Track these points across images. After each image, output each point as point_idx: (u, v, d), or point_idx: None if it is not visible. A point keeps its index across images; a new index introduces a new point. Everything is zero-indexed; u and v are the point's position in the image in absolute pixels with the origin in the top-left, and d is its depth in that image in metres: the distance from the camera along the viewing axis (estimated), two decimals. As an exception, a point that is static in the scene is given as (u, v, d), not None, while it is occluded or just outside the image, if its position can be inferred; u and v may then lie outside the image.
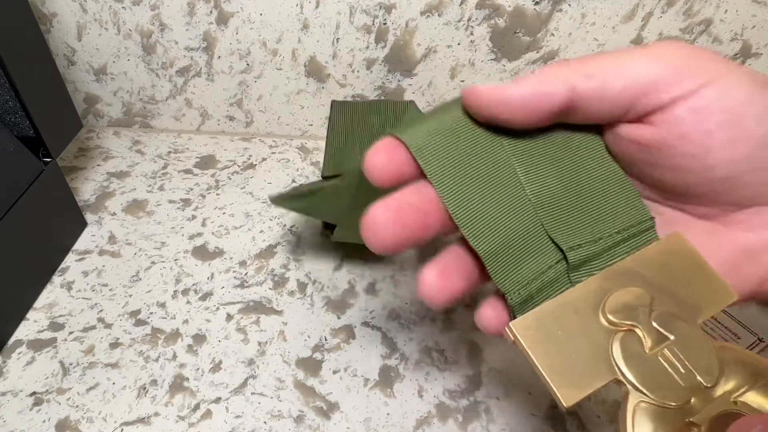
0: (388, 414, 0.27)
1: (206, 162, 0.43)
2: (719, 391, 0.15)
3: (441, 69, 0.42)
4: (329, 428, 0.26)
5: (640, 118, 0.17)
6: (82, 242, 0.35)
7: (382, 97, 0.44)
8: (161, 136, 0.46)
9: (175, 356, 0.29)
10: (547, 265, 0.18)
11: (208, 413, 0.26)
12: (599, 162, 0.19)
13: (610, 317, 0.16)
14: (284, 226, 0.37)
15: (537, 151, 0.18)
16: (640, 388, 0.15)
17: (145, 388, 0.27)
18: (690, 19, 0.38)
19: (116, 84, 0.44)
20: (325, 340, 0.30)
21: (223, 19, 0.40)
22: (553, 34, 0.39)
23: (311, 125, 0.46)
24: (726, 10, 0.38)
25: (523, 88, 0.17)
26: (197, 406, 0.26)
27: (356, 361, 0.29)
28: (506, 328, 0.16)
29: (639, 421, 0.15)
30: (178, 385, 0.27)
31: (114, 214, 0.38)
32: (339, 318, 0.31)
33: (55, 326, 0.30)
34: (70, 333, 0.29)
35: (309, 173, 0.43)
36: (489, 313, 0.18)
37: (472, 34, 0.40)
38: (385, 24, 0.39)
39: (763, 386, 0.15)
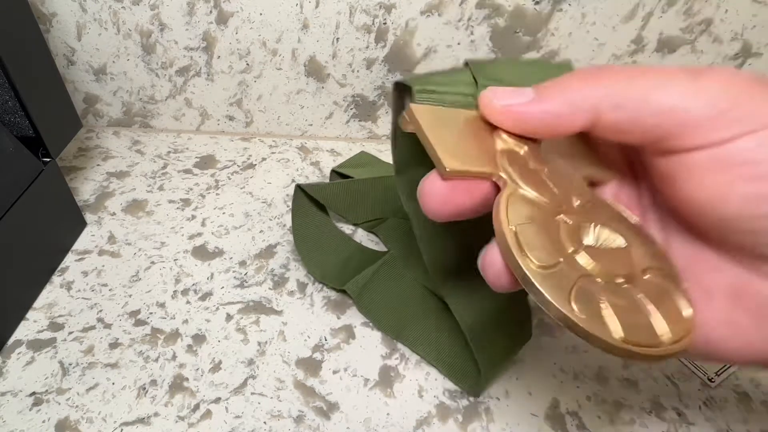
0: (388, 414, 0.27)
1: (206, 162, 0.43)
2: (589, 212, 0.16)
3: (441, 69, 0.42)
4: (329, 428, 0.26)
5: (663, 153, 0.16)
6: (82, 242, 0.35)
7: (382, 97, 0.44)
8: (161, 136, 0.46)
9: (174, 356, 0.29)
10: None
11: (207, 413, 0.26)
12: None
13: (504, 137, 0.17)
14: (284, 226, 0.37)
15: None
16: (518, 181, 0.16)
17: (144, 389, 0.27)
18: (690, 18, 0.38)
19: (116, 84, 0.44)
20: (325, 340, 0.30)
21: (222, 19, 0.40)
22: (553, 34, 0.39)
23: (311, 125, 0.46)
24: (726, 10, 0.38)
25: (542, 106, 0.16)
26: (197, 407, 0.26)
27: (356, 361, 0.29)
28: (405, 112, 0.17)
29: (513, 206, 0.15)
30: (177, 385, 0.27)
31: (114, 214, 0.37)
32: (339, 318, 0.31)
33: (55, 326, 0.30)
34: (70, 333, 0.29)
35: (309, 173, 0.43)
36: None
37: (472, 33, 0.40)
38: (385, 24, 0.39)
39: (619, 228, 0.16)
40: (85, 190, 0.39)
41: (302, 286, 0.33)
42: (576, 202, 0.16)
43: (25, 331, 0.29)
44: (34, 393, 0.27)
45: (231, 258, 0.35)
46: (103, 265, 0.33)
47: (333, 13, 0.39)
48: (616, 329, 0.14)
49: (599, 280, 0.15)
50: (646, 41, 0.40)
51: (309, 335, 0.30)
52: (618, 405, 0.28)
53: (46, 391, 0.27)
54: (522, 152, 0.17)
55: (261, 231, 0.37)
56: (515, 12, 0.38)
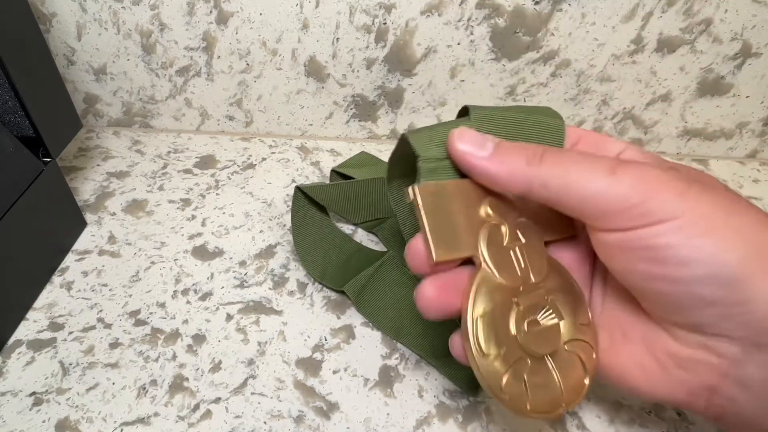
0: (388, 414, 0.27)
1: (206, 162, 0.43)
2: (541, 288, 0.21)
3: (441, 69, 0.42)
4: (329, 428, 0.26)
5: (588, 227, 0.19)
6: (82, 242, 0.35)
7: (382, 97, 0.44)
8: (161, 136, 0.46)
9: (174, 356, 0.29)
10: None
11: (207, 413, 0.26)
12: None
13: (489, 210, 0.20)
14: (284, 226, 0.37)
15: None
16: (491, 265, 0.20)
17: (144, 388, 0.27)
18: (690, 18, 0.38)
19: (116, 84, 0.44)
20: (325, 340, 0.30)
21: (222, 19, 0.40)
22: (553, 34, 0.39)
23: (311, 125, 0.46)
24: (726, 10, 0.38)
25: (490, 166, 0.19)
26: (197, 406, 0.26)
27: (356, 361, 0.29)
28: (409, 189, 0.19)
29: (481, 287, 0.19)
30: (177, 385, 0.27)
31: (114, 214, 0.38)
32: (339, 318, 0.31)
33: (55, 326, 0.30)
34: (70, 333, 0.29)
35: (309, 173, 0.43)
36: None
37: (472, 33, 0.40)
38: (385, 24, 0.39)
39: (563, 300, 0.21)
40: (85, 190, 0.40)
41: (302, 286, 0.33)
42: (533, 279, 0.21)
43: (25, 331, 0.29)
44: (34, 393, 0.27)
45: (231, 258, 0.35)
46: (103, 265, 0.33)
47: (333, 13, 0.39)
48: (530, 405, 0.19)
49: (529, 361, 0.20)
50: (645, 41, 0.40)
51: (309, 335, 0.30)
52: (618, 405, 0.28)
53: (46, 391, 0.27)
54: (503, 228, 0.21)
55: (261, 231, 0.37)
56: (515, 12, 0.38)
